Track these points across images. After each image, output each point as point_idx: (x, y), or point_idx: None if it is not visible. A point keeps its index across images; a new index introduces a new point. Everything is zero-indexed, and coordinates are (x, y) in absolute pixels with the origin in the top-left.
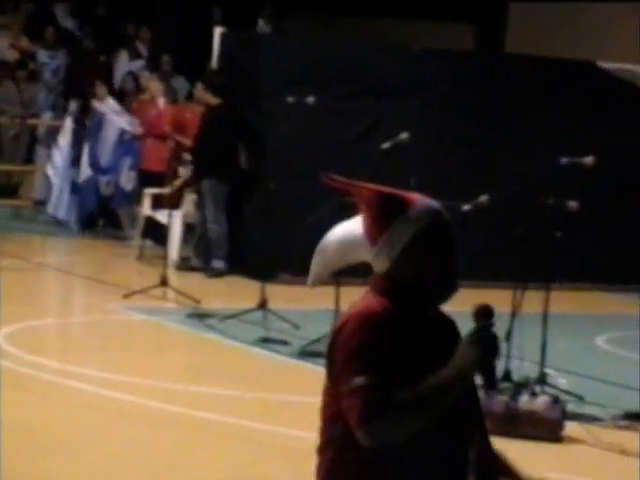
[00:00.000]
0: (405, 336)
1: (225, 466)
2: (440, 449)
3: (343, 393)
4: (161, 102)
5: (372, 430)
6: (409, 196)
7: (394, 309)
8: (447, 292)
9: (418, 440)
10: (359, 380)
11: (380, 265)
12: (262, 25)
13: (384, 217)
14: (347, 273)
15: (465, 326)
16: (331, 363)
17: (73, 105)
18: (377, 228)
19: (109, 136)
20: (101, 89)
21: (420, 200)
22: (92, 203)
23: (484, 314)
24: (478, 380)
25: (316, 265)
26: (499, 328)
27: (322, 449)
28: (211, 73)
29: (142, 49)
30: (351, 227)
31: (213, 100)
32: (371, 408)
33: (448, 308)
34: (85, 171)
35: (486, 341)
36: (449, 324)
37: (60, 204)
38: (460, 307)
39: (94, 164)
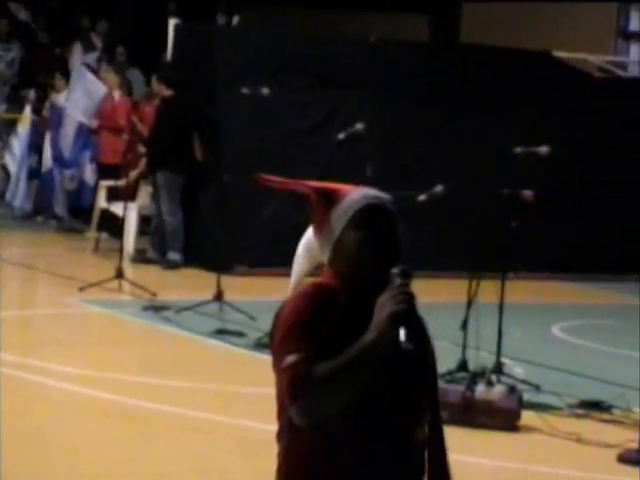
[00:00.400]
0: (343, 317)
1: (181, 458)
2: (386, 428)
3: (277, 377)
4: (116, 95)
5: (299, 408)
6: (344, 188)
7: (334, 292)
8: (380, 275)
9: (362, 420)
10: (288, 359)
11: (324, 256)
12: (220, 17)
13: (323, 210)
14: None
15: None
16: (272, 347)
17: (32, 94)
18: (319, 221)
19: (68, 130)
20: (60, 82)
21: (356, 189)
22: (51, 195)
23: (402, 273)
24: (401, 336)
25: (293, 274)
26: (456, 318)
27: (279, 436)
28: (165, 65)
29: (97, 41)
30: (310, 232)
31: (167, 92)
32: (296, 386)
33: None
34: (47, 163)
35: (400, 296)
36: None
37: (17, 192)
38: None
39: (57, 157)
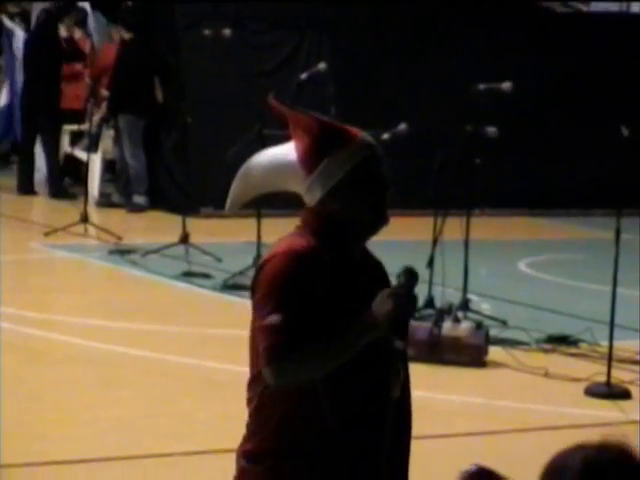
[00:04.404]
0: (330, 276)
1: (149, 401)
2: (362, 384)
3: (257, 328)
4: (75, 38)
5: (276, 370)
6: (350, 130)
7: (320, 248)
8: (377, 226)
9: (340, 375)
10: (272, 318)
11: (312, 197)
12: None
13: (323, 147)
14: (267, 204)
15: (388, 258)
16: (253, 297)
17: None
18: (314, 158)
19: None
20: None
21: (360, 135)
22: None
23: (409, 274)
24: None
25: (237, 189)
26: (422, 256)
27: (252, 383)
28: (125, 9)
29: None
30: (281, 153)
31: (127, 35)
32: (278, 349)
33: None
34: (3, 99)
35: (404, 297)
36: (376, 265)
37: None
38: (381, 237)
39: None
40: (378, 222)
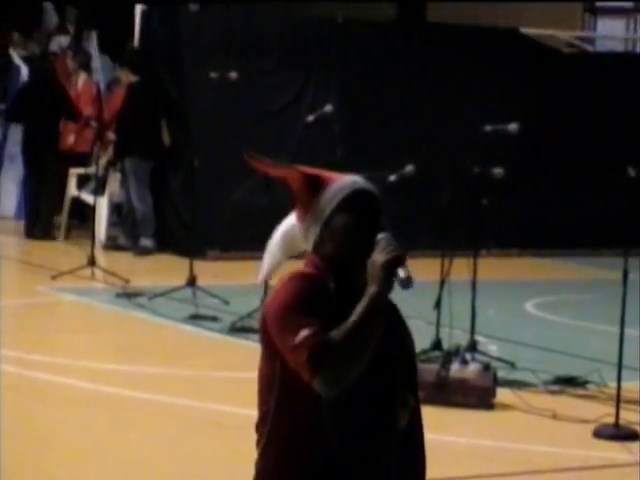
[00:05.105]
0: (335, 304)
1: (157, 444)
2: (369, 417)
3: (289, 355)
4: (80, 82)
5: (324, 378)
6: (333, 174)
7: (324, 276)
8: (364, 260)
9: (348, 411)
10: (300, 335)
11: (309, 242)
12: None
13: (309, 195)
14: None
15: (394, 299)
16: (264, 332)
17: None
18: (304, 206)
19: None
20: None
21: (343, 176)
22: None
23: (386, 236)
24: (400, 274)
25: (265, 262)
26: (429, 297)
27: (260, 424)
28: (130, 51)
29: (70, 28)
30: (290, 220)
31: (133, 78)
32: (317, 355)
33: None
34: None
35: (388, 247)
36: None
37: None
38: None
39: None
40: (367, 254)
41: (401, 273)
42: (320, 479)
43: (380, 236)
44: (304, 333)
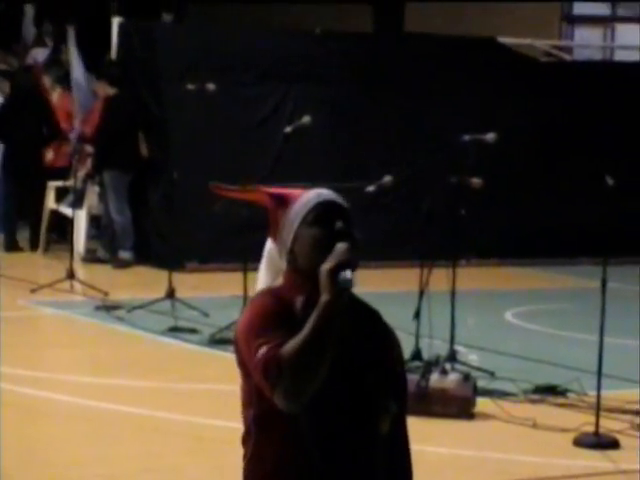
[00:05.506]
0: (303, 317)
1: (137, 458)
2: (347, 425)
3: (253, 373)
4: (55, 96)
5: (282, 393)
6: (297, 191)
7: (293, 291)
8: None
9: (325, 420)
10: (259, 353)
11: (282, 261)
12: (165, 16)
13: (279, 214)
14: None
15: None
16: (237, 352)
17: None
18: (275, 225)
19: None
20: (3, 84)
21: (308, 191)
22: None
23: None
24: (342, 277)
25: (258, 283)
26: (408, 307)
27: (244, 438)
28: (107, 63)
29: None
30: (269, 244)
31: (110, 90)
32: (271, 372)
33: (358, 290)
34: None
35: (337, 252)
36: (364, 311)
37: None
38: (366, 288)
39: None
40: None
41: (341, 275)
42: None
43: (337, 245)
44: (262, 351)
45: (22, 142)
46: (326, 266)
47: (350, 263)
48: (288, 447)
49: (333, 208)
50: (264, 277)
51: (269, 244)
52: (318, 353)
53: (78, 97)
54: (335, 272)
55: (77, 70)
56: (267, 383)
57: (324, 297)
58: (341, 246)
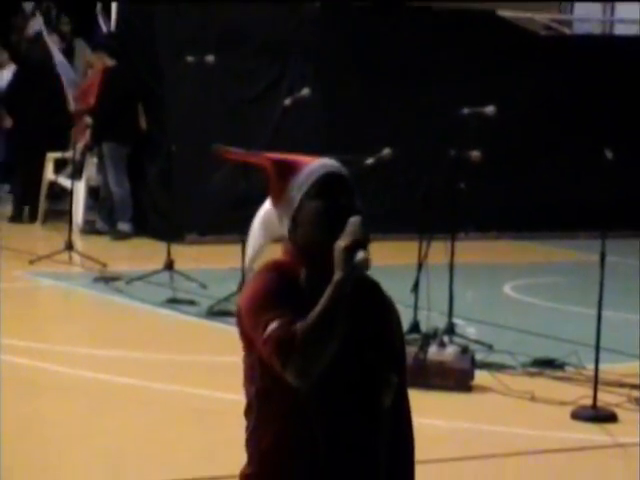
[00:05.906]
0: (307, 291)
1: (135, 430)
2: (350, 399)
3: (261, 348)
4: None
5: (294, 369)
6: (303, 158)
7: (295, 265)
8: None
9: (327, 394)
10: (270, 328)
11: (284, 229)
12: None
13: (281, 181)
14: None
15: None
16: (240, 325)
17: None
18: (277, 193)
19: None
20: (3, 56)
21: (312, 160)
22: None
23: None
24: (358, 257)
25: (249, 248)
26: (407, 280)
27: (247, 411)
28: (106, 35)
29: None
30: (267, 204)
31: (109, 62)
32: (285, 349)
33: None
34: None
35: (352, 228)
36: (366, 285)
37: None
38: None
39: None
40: (332, 239)
41: (359, 255)
42: (307, 461)
43: (350, 220)
44: (272, 326)
45: (33, 117)
46: (342, 243)
47: (363, 242)
48: (290, 420)
49: (337, 180)
50: (259, 236)
51: (268, 205)
52: (331, 331)
53: (67, 77)
54: (351, 251)
55: (56, 53)
56: (278, 359)
57: (338, 275)
58: (354, 220)
